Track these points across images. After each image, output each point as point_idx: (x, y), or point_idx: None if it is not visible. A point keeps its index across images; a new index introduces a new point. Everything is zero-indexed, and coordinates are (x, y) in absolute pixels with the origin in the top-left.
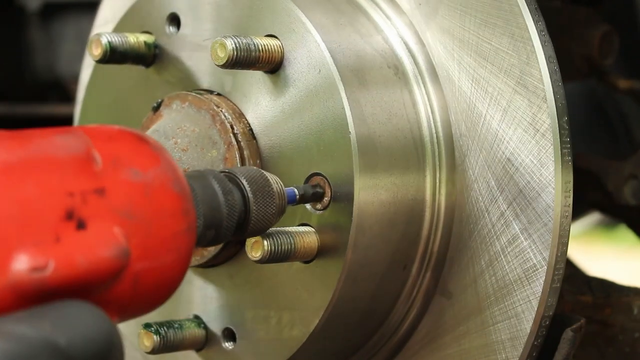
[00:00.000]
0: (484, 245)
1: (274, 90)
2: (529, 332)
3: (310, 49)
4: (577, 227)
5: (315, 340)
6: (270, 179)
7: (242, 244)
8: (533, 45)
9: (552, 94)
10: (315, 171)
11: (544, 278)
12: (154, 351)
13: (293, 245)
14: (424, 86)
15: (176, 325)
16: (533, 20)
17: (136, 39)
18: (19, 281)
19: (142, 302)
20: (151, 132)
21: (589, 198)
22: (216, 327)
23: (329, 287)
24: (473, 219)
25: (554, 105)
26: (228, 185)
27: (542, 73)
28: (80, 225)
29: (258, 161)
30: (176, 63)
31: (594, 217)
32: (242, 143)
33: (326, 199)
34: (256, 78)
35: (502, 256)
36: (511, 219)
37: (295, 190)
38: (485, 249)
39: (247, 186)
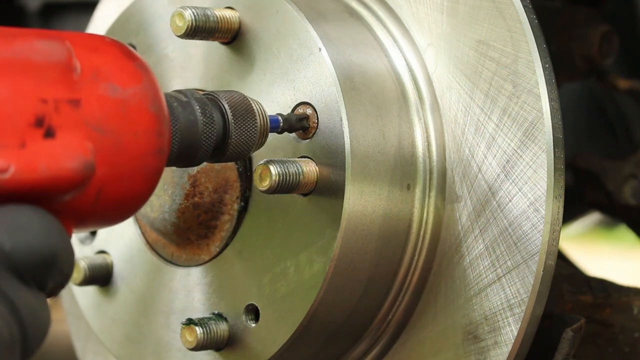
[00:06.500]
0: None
1: (237, 59)
2: None
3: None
4: (577, 227)
5: (336, 275)
6: (253, 104)
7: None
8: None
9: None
10: (301, 100)
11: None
12: (197, 347)
13: (300, 174)
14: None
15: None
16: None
17: None
18: None
19: (102, 216)
20: None
21: (589, 198)
22: (237, 312)
23: (337, 214)
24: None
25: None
26: (209, 107)
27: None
28: (49, 134)
29: None
30: None
31: (594, 217)
32: None
33: (313, 124)
34: (217, 61)
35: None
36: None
37: (279, 117)
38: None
39: (228, 109)
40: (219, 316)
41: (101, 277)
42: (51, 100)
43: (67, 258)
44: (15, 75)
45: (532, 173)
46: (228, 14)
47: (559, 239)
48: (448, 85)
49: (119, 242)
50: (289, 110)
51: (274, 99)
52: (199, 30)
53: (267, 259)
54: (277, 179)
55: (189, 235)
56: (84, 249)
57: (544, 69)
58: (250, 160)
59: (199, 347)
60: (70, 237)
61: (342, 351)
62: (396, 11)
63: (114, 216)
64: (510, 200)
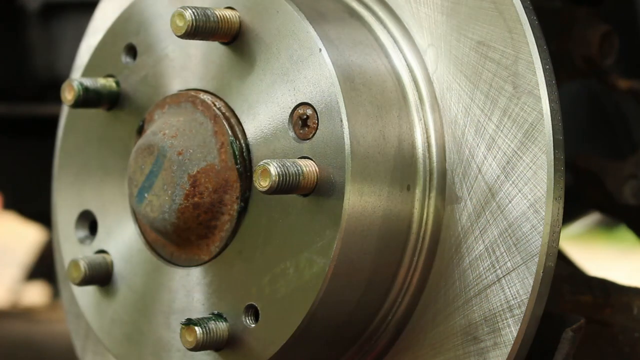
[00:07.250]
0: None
1: (237, 60)
2: None
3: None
4: (577, 227)
5: (336, 275)
6: None
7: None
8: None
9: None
10: (301, 101)
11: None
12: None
13: (300, 174)
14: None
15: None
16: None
17: (106, 80)
18: None
19: None
20: (137, 146)
21: (589, 198)
22: (236, 312)
23: (337, 214)
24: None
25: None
26: None
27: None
28: None
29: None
30: (139, 87)
31: (594, 217)
32: (226, 114)
33: (313, 125)
34: (217, 61)
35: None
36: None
37: None
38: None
39: None
40: (219, 316)
41: (101, 276)
42: None
43: None
44: None
45: (532, 174)
46: (228, 14)
47: (558, 240)
48: (448, 86)
49: (118, 241)
50: (289, 111)
51: (274, 99)
52: (199, 30)
53: (267, 260)
54: (277, 179)
55: (189, 235)
56: (84, 248)
57: (544, 70)
58: (250, 160)
59: (198, 347)
60: None
61: (342, 352)
62: (396, 12)
63: None
64: (510, 202)
